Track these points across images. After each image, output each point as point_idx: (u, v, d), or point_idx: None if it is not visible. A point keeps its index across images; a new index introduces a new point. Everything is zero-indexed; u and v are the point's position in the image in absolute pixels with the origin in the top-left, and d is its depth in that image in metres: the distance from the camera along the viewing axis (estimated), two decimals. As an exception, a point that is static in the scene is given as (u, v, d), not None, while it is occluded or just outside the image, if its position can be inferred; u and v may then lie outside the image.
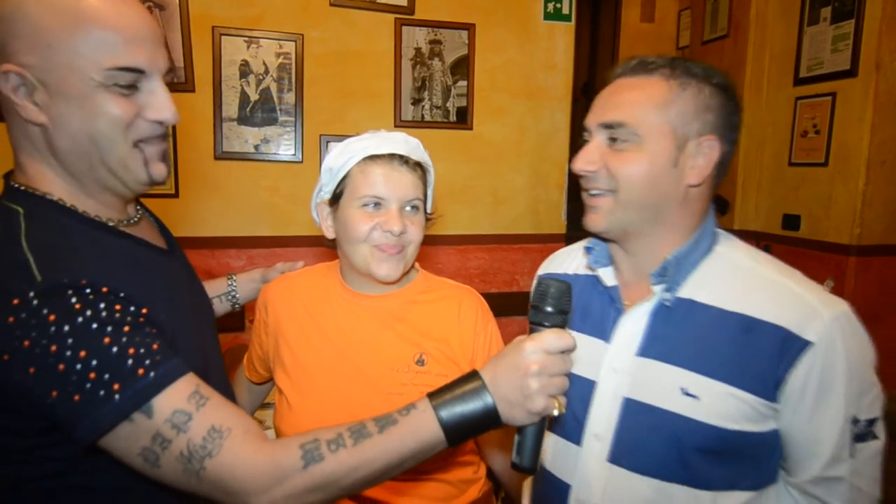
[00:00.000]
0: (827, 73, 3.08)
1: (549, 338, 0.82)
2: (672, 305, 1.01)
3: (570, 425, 1.08)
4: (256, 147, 2.83)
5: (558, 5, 3.10)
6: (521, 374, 0.80)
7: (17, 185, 0.89)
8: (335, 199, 1.22)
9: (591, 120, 1.04)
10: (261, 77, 2.81)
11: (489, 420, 0.82)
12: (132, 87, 0.87)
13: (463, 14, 2.99)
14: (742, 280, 1.00)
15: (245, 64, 2.79)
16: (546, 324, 0.85)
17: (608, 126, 1.00)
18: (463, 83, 3.04)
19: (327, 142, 2.90)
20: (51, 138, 0.87)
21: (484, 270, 3.18)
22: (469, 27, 3.00)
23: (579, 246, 1.22)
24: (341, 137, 2.88)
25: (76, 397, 0.74)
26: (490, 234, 3.18)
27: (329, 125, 2.90)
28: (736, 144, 1.04)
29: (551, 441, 1.12)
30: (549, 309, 0.85)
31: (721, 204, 3.66)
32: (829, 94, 3.06)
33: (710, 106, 1.00)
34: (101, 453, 0.81)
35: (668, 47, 5.08)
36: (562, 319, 0.86)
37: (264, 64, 2.81)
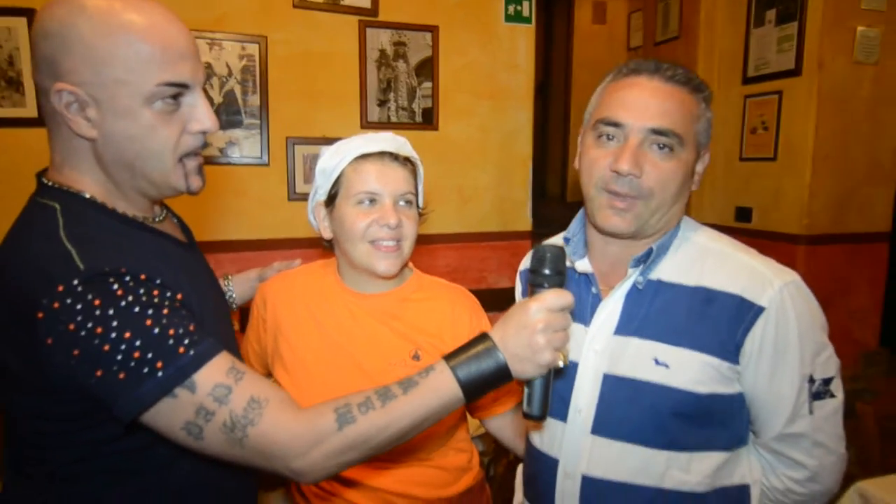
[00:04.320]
0: (773, 73, 3.25)
1: (551, 297, 0.90)
2: (643, 287, 1.09)
3: (556, 404, 1.13)
4: (222, 150, 2.80)
5: (518, 7, 3.17)
6: (529, 331, 0.88)
7: (51, 183, 0.93)
8: (331, 199, 1.24)
9: (634, 119, 1.02)
10: (224, 79, 2.78)
11: (501, 375, 0.90)
12: (176, 101, 0.91)
13: (426, 16, 3.03)
14: (703, 258, 1.08)
15: (208, 66, 2.75)
16: (546, 285, 0.93)
17: (659, 133, 1.01)
18: (428, 84, 3.07)
19: (293, 144, 2.90)
20: (98, 151, 0.91)
21: (453, 269, 3.22)
22: (433, 29, 3.04)
23: (557, 239, 1.27)
24: (308, 139, 2.91)
25: (121, 375, 0.78)
26: (457, 233, 3.22)
27: (295, 127, 2.89)
28: None
29: None
30: (548, 271, 0.93)
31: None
32: (776, 93, 3.23)
33: (710, 121, 1.09)
34: (132, 436, 0.85)
35: (619, 48, 5.24)
36: (559, 280, 0.93)
37: (227, 66, 2.78)
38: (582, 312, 1.14)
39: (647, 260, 1.08)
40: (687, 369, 1.02)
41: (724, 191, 3.59)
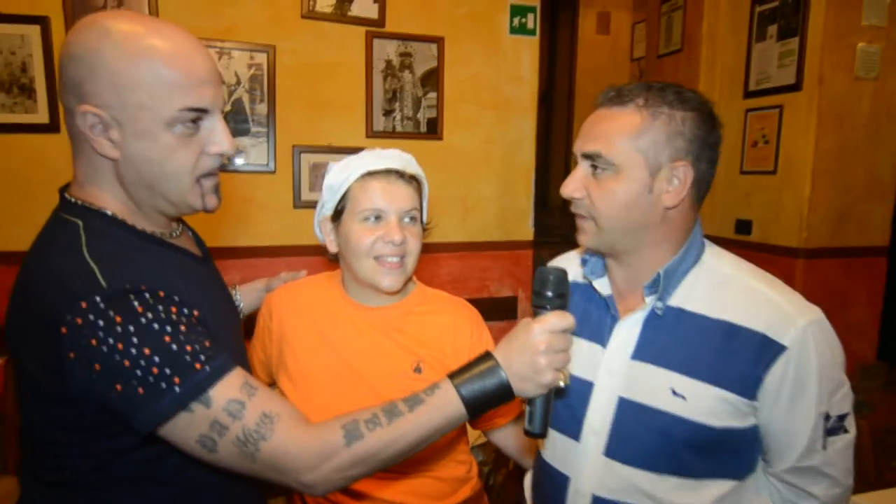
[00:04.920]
0: (774, 87, 3.28)
1: (553, 319, 0.94)
2: (663, 314, 1.09)
3: (569, 423, 1.16)
4: (229, 157, 2.84)
5: (523, 20, 3.21)
6: (532, 352, 0.92)
7: (73, 199, 0.96)
8: (337, 214, 1.28)
9: (576, 148, 1.11)
10: (233, 88, 2.83)
11: (503, 394, 0.94)
12: (196, 124, 0.94)
13: (432, 27, 3.07)
14: (726, 289, 1.08)
15: (217, 75, 2.79)
16: (548, 307, 0.96)
17: (588, 156, 1.08)
18: (433, 95, 3.11)
19: (300, 152, 2.94)
20: (119, 171, 0.95)
21: (455, 277, 3.25)
22: (438, 40, 3.08)
23: (574, 255, 1.29)
24: (314, 148, 2.96)
25: (140, 390, 0.82)
26: (460, 242, 3.26)
27: (302, 136, 2.93)
28: (715, 162, 1.09)
29: (552, 437, 1.19)
30: (550, 293, 0.96)
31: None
32: (777, 107, 3.26)
33: (682, 132, 1.04)
34: (149, 446, 0.89)
35: (622, 58, 5.28)
36: (561, 302, 0.97)
37: (236, 75, 2.82)
38: (599, 332, 1.16)
39: (657, 286, 1.08)
40: (703, 403, 1.03)
41: (725, 203, 3.62)
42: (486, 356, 0.96)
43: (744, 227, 3.48)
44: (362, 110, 3.02)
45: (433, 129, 3.14)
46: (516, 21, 3.20)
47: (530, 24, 3.23)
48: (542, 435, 0.98)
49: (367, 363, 1.26)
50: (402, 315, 1.31)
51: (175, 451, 0.89)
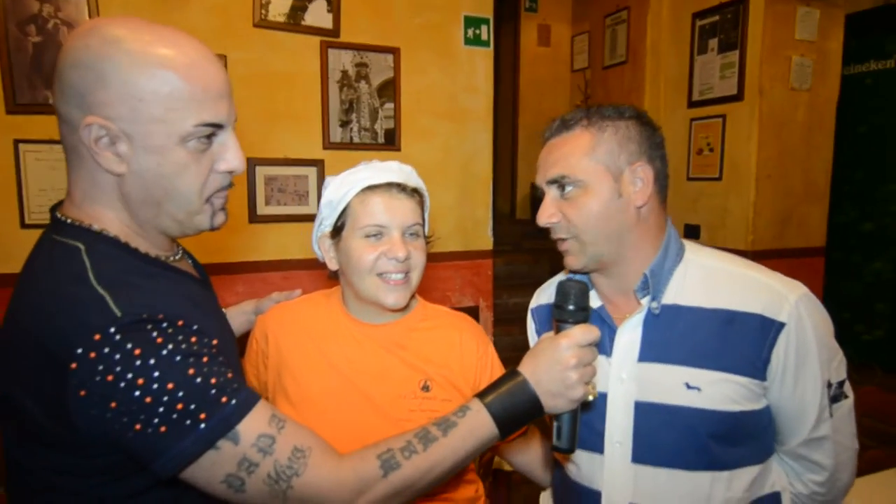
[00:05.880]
0: (717, 98, 3.44)
1: (579, 333, 0.94)
2: (660, 312, 1.11)
3: (590, 437, 1.14)
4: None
5: (477, 31, 3.23)
6: (561, 367, 0.91)
7: (69, 220, 0.87)
8: (336, 231, 1.22)
9: (539, 179, 1.17)
10: (182, 99, 2.70)
11: (534, 410, 0.92)
12: (209, 140, 0.88)
13: (387, 38, 3.04)
14: (715, 279, 1.12)
15: (164, 85, 2.66)
16: (570, 321, 0.96)
17: (554, 181, 1.13)
18: (390, 105, 3.08)
19: (255, 165, 2.83)
20: (124, 187, 0.86)
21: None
22: (394, 51, 3.05)
23: (559, 278, 1.30)
24: (269, 160, 2.86)
25: (162, 429, 0.74)
26: (421, 253, 3.22)
27: (256, 147, 2.83)
28: (665, 159, 1.17)
29: (575, 455, 1.17)
30: (572, 307, 0.96)
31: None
32: (720, 116, 3.41)
33: (630, 137, 1.12)
34: (164, 489, 0.82)
35: (564, 70, 5.41)
36: (584, 315, 0.97)
37: (185, 85, 2.70)
38: (601, 344, 1.15)
39: (647, 287, 1.11)
40: (719, 390, 1.05)
41: (673, 209, 3.73)
42: (514, 373, 0.93)
43: (692, 231, 3.61)
44: (318, 121, 2.95)
45: (391, 140, 3.10)
46: (470, 32, 3.22)
47: (484, 36, 3.25)
48: (571, 450, 0.96)
49: (372, 383, 1.21)
50: (406, 331, 1.26)
51: (190, 492, 0.81)
